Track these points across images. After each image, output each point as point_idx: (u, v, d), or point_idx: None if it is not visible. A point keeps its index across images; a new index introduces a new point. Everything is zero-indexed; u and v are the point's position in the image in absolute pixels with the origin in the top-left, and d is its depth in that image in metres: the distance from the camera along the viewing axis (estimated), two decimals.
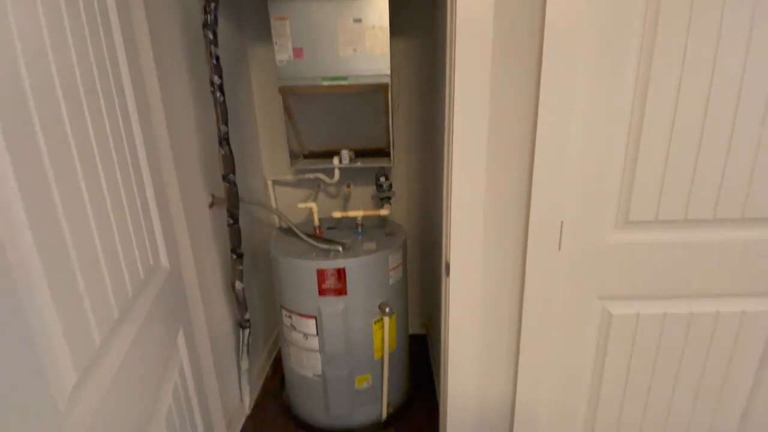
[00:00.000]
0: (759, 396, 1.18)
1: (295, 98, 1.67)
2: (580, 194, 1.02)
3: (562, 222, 1.03)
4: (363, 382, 1.54)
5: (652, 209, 1.02)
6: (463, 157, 0.99)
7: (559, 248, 1.06)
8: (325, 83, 1.56)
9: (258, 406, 1.76)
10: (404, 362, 1.70)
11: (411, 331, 2.23)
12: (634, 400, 1.20)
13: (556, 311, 1.12)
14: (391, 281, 1.52)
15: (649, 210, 1.02)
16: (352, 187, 1.99)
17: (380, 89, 1.60)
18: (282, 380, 1.74)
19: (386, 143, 1.80)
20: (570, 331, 1.14)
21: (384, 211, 1.60)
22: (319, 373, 1.52)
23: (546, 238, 1.04)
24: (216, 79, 1.26)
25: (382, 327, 1.50)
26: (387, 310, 1.46)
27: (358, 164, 1.75)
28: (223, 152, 1.30)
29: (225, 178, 1.34)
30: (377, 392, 1.58)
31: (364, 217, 1.69)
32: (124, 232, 0.73)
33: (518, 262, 1.07)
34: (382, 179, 1.68)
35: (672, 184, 1.00)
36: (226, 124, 1.30)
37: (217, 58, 1.25)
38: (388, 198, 1.67)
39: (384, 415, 1.60)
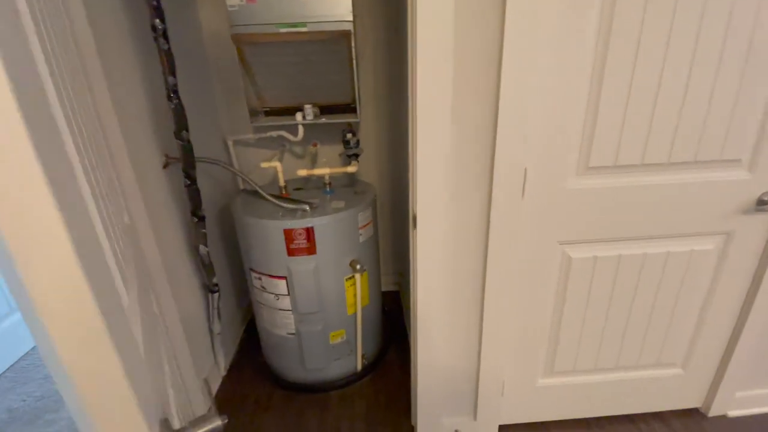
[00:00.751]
0: (704, 327, 1.29)
1: (251, 48, 1.55)
2: (543, 142, 1.02)
3: (525, 169, 1.04)
4: (337, 337, 1.57)
5: (611, 155, 1.04)
6: (427, 105, 0.96)
7: (523, 195, 1.08)
8: (282, 30, 1.45)
9: (234, 367, 1.77)
10: (378, 316, 1.74)
11: (384, 288, 2.27)
12: (590, 337, 1.29)
13: (518, 257, 1.15)
14: (361, 239, 1.51)
15: (608, 156, 1.04)
16: (318, 145, 1.92)
17: (343, 37, 1.51)
18: (257, 340, 1.75)
19: (352, 97, 1.73)
20: (531, 275, 1.18)
21: (351, 168, 1.56)
22: (293, 331, 1.53)
23: (510, 186, 1.04)
24: (158, 23, 1.14)
25: (354, 284, 1.51)
26: (358, 267, 1.47)
27: (323, 120, 1.69)
28: (172, 106, 1.21)
29: (177, 135, 1.25)
30: (352, 346, 1.62)
31: (332, 177, 1.64)
32: None
33: (483, 210, 1.08)
34: (349, 135, 1.63)
35: (630, 130, 1.02)
36: (173, 74, 1.19)
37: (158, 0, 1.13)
38: (356, 155, 1.63)
39: (359, 366, 1.65)
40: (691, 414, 1.45)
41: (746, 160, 1.07)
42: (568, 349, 1.30)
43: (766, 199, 1.10)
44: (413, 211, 1.09)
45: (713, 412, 1.43)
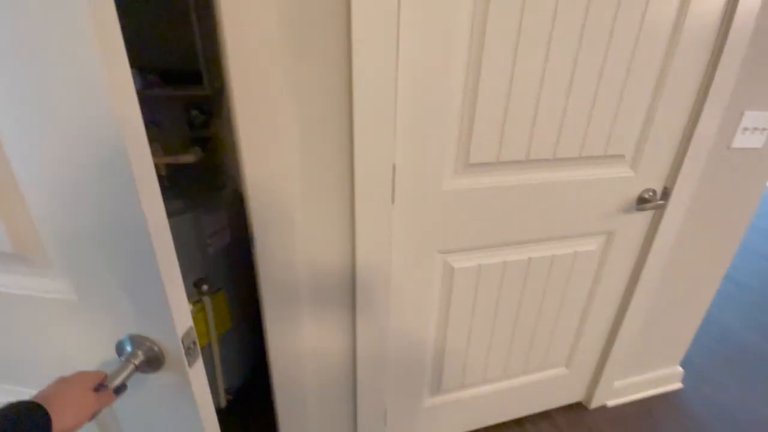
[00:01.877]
0: (586, 325, 1.24)
1: None
2: (415, 136, 0.80)
3: (394, 166, 0.81)
4: None
5: (494, 150, 0.86)
6: (248, 81, 0.66)
7: (393, 200, 0.85)
8: None
9: None
10: (247, 338, 1.44)
11: None
12: (477, 349, 1.16)
13: (393, 271, 0.94)
14: (211, 250, 1.18)
15: (490, 151, 0.86)
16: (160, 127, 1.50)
17: None
18: None
19: (199, 62, 1.34)
20: (410, 291, 0.99)
21: (188, 157, 1.20)
22: None
23: (377, 189, 0.81)
24: None
25: (203, 308, 1.18)
26: (205, 288, 1.14)
27: (157, 92, 1.28)
28: None
29: None
30: (211, 380, 1.30)
31: (169, 167, 1.26)
32: None
33: (347, 219, 0.84)
34: (195, 113, 1.25)
35: (514, 123, 0.84)
36: None
37: None
38: (205, 139, 1.27)
39: (222, 403, 1.35)
40: (574, 408, 1.44)
41: (629, 157, 0.98)
42: (455, 365, 1.16)
43: (646, 197, 1.03)
44: (250, 228, 0.80)
45: (594, 404, 1.43)
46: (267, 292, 0.85)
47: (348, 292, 0.92)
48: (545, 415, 1.42)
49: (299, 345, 0.94)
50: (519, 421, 1.39)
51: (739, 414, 1.43)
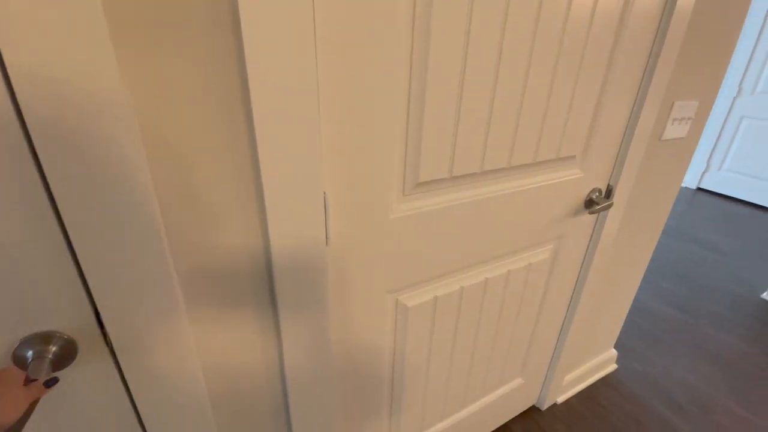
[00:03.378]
0: (537, 333, 1.18)
1: None
2: (351, 157, 0.59)
3: (324, 196, 0.59)
4: None
5: (446, 164, 0.70)
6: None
7: (327, 242, 0.64)
8: None
9: None
10: None
11: None
12: (435, 385, 1.01)
13: (338, 332, 0.73)
14: None
15: (442, 166, 0.69)
16: None
17: None
18: None
19: None
20: (356, 342, 0.79)
21: None
22: None
23: (303, 227, 0.59)
24: None
25: None
26: None
27: None
28: None
29: None
30: None
31: None
32: None
33: (258, 269, 0.60)
34: None
35: (466, 134, 0.68)
36: None
37: None
38: None
39: None
40: (529, 413, 1.40)
41: (579, 157, 0.90)
42: (412, 408, 1.00)
43: (593, 197, 0.97)
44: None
45: (546, 404, 1.41)
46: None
47: (276, 366, 0.68)
48: (503, 428, 1.35)
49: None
50: None
51: (668, 383, 1.54)
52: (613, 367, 1.59)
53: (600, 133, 0.89)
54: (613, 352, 1.57)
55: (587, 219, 1.03)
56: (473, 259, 0.86)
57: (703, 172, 3.74)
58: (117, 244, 0.44)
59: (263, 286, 0.60)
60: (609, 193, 1.00)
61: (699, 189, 3.82)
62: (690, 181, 3.86)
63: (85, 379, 0.49)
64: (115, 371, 0.51)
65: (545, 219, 0.93)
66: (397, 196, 0.68)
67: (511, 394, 1.27)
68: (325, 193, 0.60)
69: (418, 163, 0.66)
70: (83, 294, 0.45)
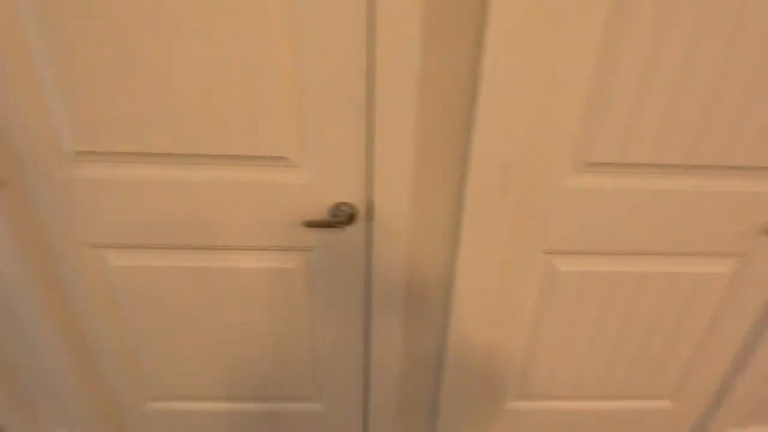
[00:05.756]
0: (703, 355, 1.12)
1: None
2: (532, 128, 0.80)
3: (508, 162, 0.82)
4: None
5: (617, 149, 0.83)
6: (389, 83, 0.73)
7: (504, 193, 0.86)
8: None
9: None
10: None
11: None
12: (573, 362, 1.11)
13: (494, 267, 0.95)
14: None
15: (613, 150, 0.83)
16: None
17: None
18: None
19: None
20: (508, 288, 0.98)
21: None
22: None
23: (489, 182, 0.83)
24: None
25: None
26: None
27: None
28: None
29: None
30: None
31: None
32: None
33: (453, 210, 0.87)
34: None
35: (645, 120, 0.80)
36: None
37: None
38: None
39: None
40: None
41: None
42: (544, 372, 1.12)
43: None
44: (369, 198, 0.87)
45: None
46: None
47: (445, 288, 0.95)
48: None
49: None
50: None
51: None
52: None
53: None
54: None
55: None
56: (631, 247, 0.93)
57: None
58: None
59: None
60: None
61: None
62: None
63: (356, 232, 0.86)
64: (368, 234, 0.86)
65: (722, 228, 0.91)
66: (566, 170, 0.84)
67: (654, 415, 1.22)
68: (508, 158, 0.82)
69: (591, 144, 0.81)
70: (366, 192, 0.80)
